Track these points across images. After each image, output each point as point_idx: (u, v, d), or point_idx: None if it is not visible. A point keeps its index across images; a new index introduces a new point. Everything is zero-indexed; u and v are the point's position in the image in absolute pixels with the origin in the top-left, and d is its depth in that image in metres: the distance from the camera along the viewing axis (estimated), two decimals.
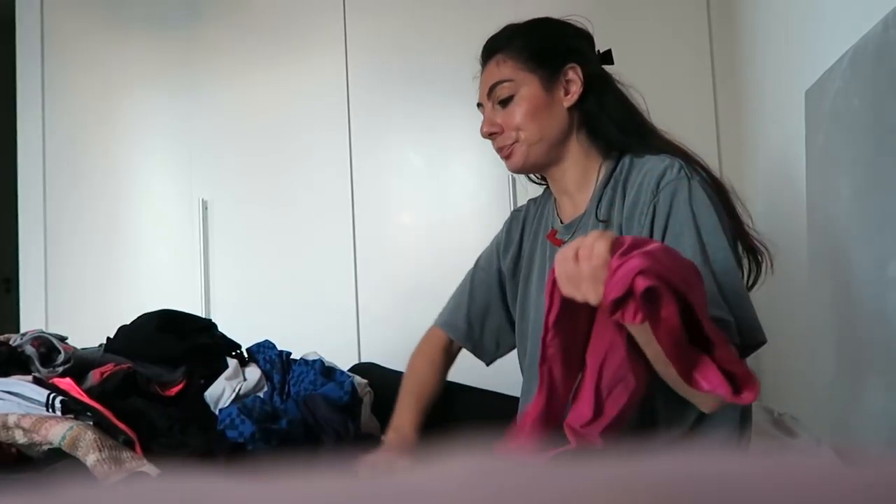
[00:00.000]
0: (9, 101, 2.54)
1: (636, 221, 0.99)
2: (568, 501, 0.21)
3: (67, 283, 2.43)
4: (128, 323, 1.26)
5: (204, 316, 2.24)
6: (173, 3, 2.46)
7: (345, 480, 0.24)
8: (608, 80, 1.13)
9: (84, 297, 2.41)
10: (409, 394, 1.17)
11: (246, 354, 1.33)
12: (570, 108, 1.09)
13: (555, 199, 1.18)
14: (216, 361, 1.19)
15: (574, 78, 1.09)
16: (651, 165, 1.01)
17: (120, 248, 2.43)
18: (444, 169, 2.29)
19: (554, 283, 0.79)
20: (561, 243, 1.10)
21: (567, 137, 1.10)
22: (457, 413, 1.23)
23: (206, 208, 2.38)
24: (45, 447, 0.91)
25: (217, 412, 1.08)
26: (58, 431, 0.89)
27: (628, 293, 0.70)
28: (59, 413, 0.93)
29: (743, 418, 1.01)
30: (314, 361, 1.26)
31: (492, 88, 1.11)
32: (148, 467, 0.88)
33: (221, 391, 1.10)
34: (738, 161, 2.10)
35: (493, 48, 1.14)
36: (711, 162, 2.11)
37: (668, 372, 0.80)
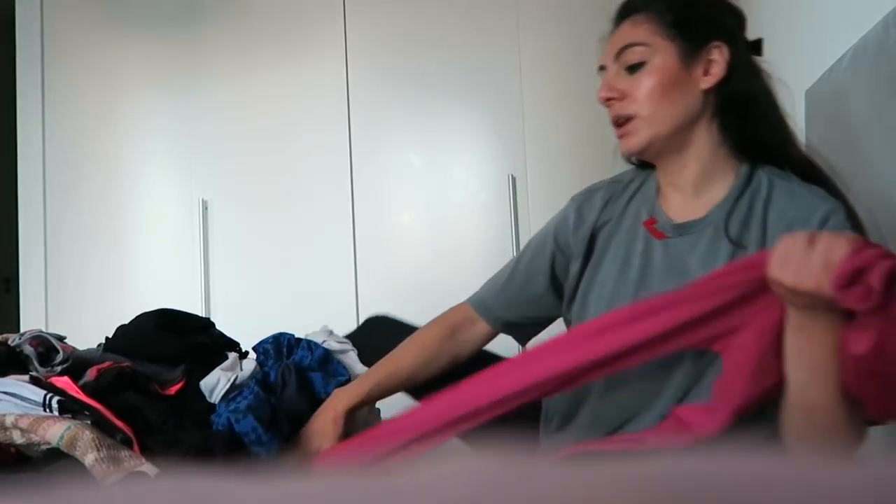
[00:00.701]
0: (9, 101, 2.55)
1: None
2: (568, 502, 0.21)
3: (67, 283, 2.43)
4: (126, 323, 1.26)
5: (204, 316, 2.25)
6: (174, 3, 2.46)
7: (344, 481, 0.24)
8: (757, 72, 0.97)
9: (84, 297, 2.41)
10: (376, 365, 1.10)
11: (246, 351, 1.33)
12: (705, 91, 0.94)
13: (658, 188, 1.02)
14: (215, 360, 1.19)
15: (718, 58, 0.93)
16: (809, 201, 0.88)
17: (120, 248, 2.43)
18: (444, 169, 2.29)
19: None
20: (662, 237, 0.97)
21: (695, 124, 0.95)
22: None
23: (206, 208, 2.38)
24: (44, 447, 0.91)
25: (215, 402, 1.07)
26: (55, 431, 0.89)
27: (857, 275, 0.65)
28: (56, 413, 0.93)
29: None
30: (316, 347, 1.25)
31: (621, 50, 0.95)
32: (146, 466, 0.88)
33: (216, 381, 1.10)
34: None
35: (632, 6, 0.98)
36: None
37: (821, 392, 0.74)
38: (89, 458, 0.87)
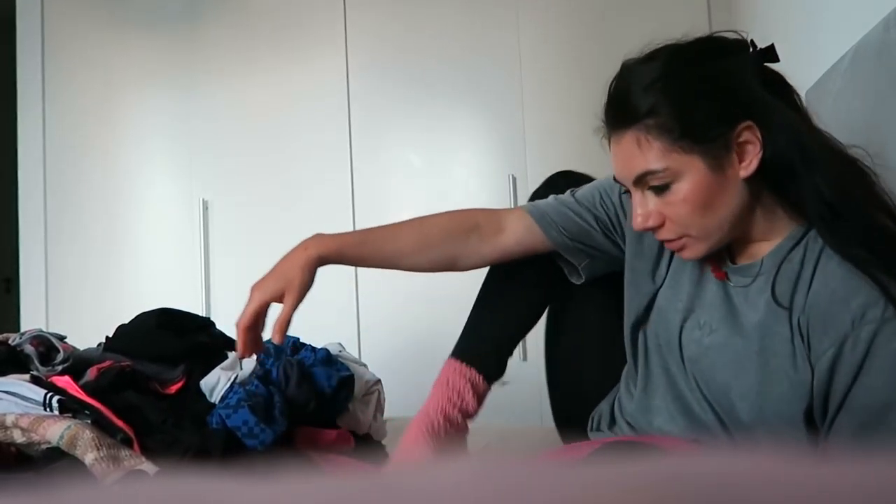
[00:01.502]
0: (9, 101, 2.55)
1: (819, 338, 0.77)
2: (568, 502, 0.21)
3: (67, 283, 2.43)
4: (127, 322, 1.26)
5: (204, 316, 2.25)
6: (174, 3, 2.46)
7: (344, 481, 0.24)
8: (785, 116, 0.82)
9: (84, 297, 2.41)
10: (370, 229, 1.04)
11: None
12: (747, 179, 0.81)
13: None
14: (215, 360, 1.19)
15: (750, 138, 0.80)
16: (850, 281, 0.76)
17: (120, 248, 2.43)
18: (444, 169, 2.29)
19: None
20: (724, 277, 0.89)
21: (751, 210, 0.84)
22: None
23: (206, 208, 2.38)
24: (44, 446, 0.91)
25: (216, 402, 1.08)
26: (56, 430, 0.89)
27: None
28: (56, 412, 0.94)
29: None
30: (319, 350, 1.26)
31: (640, 178, 0.83)
32: (146, 465, 0.88)
33: (216, 380, 1.10)
34: None
35: (625, 116, 0.83)
36: None
37: None
38: (89, 457, 0.87)
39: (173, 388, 1.09)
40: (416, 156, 2.31)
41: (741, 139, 0.80)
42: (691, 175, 0.80)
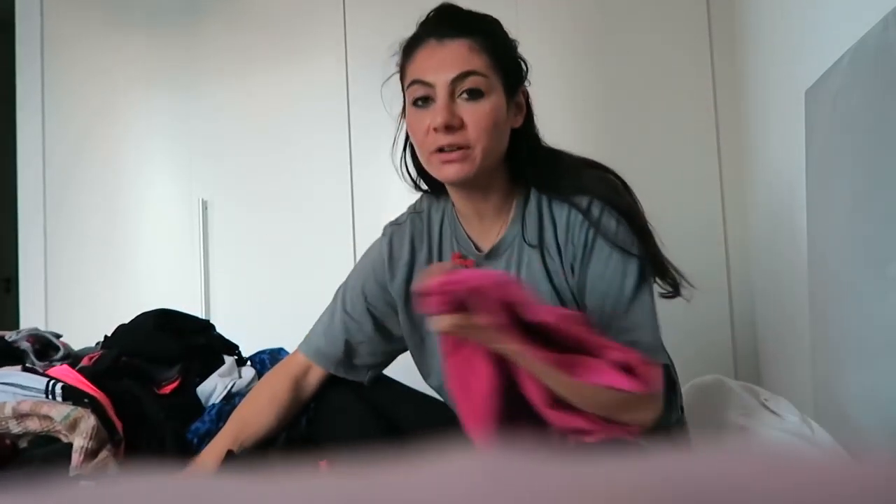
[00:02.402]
0: (9, 101, 2.55)
1: (569, 250, 0.99)
2: (568, 502, 0.21)
3: (67, 283, 2.43)
4: (126, 322, 1.26)
5: (204, 316, 2.25)
6: (173, 3, 2.46)
7: (344, 481, 0.24)
8: (532, 113, 1.06)
9: (84, 297, 2.41)
10: (233, 421, 1.07)
11: (245, 359, 1.33)
12: (512, 131, 1.01)
13: (458, 220, 1.09)
14: (213, 361, 1.19)
15: (522, 102, 1.02)
16: (575, 200, 1.00)
17: (120, 248, 2.43)
18: None
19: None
20: (472, 263, 1.05)
21: (503, 162, 1.02)
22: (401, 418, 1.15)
23: (206, 208, 2.38)
24: (37, 433, 0.92)
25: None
26: (62, 409, 0.90)
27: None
28: (59, 399, 0.94)
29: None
30: None
31: (464, 74, 0.94)
32: (113, 471, 0.89)
33: (213, 387, 1.10)
34: (738, 161, 2.10)
35: (465, 28, 0.97)
36: (711, 162, 2.13)
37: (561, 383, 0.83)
38: (78, 442, 0.87)
39: (168, 389, 1.09)
40: None
41: (519, 98, 1.01)
42: (496, 96, 0.96)
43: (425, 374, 1.13)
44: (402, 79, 1.06)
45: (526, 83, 1.05)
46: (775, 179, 1.80)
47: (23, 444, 0.94)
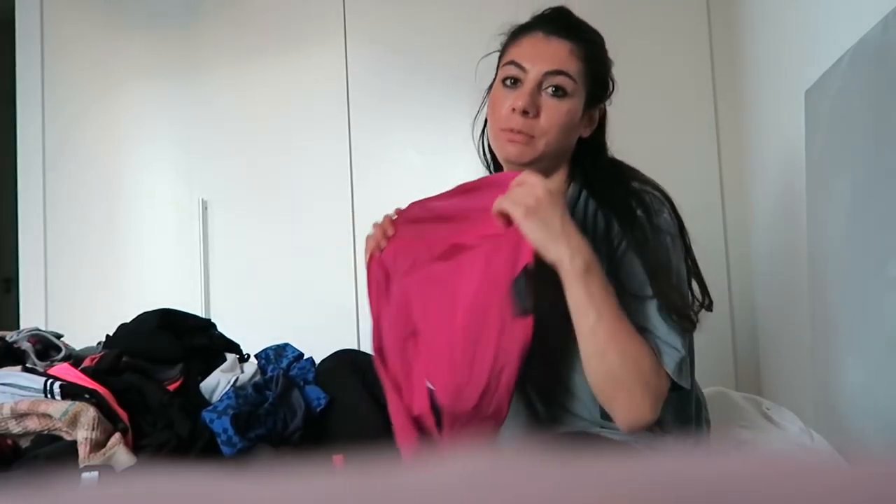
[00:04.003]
0: (9, 101, 2.55)
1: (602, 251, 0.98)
2: (568, 502, 0.21)
3: (67, 283, 2.43)
4: (127, 322, 1.26)
5: (204, 316, 2.25)
6: (173, 2, 2.46)
7: (344, 480, 0.24)
8: (604, 125, 1.11)
9: (84, 297, 2.41)
10: None
11: (246, 355, 1.33)
12: (579, 140, 1.07)
13: None
14: (214, 361, 1.19)
15: (596, 118, 1.08)
16: (617, 211, 1.02)
17: (120, 248, 2.43)
18: (444, 168, 2.29)
19: None
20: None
21: (562, 163, 1.07)
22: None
23: (206, 208, 2.38)
24: (38, 431, 0.92)
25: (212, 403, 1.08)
26: (60, 406, 0.89)
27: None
28: (58, 398, 0.94)
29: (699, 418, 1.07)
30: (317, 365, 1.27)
31: (556, 72, 1.00)
32: (125, 458, 0.89)
33: (216, 383, 1.10)
34: (738, 161, 2.10)
35: (572, 32, 1.03)
36: (711, 162, 2.13)
37: (608, 329, 0.86)
38: (81, 434, 0.87)
39: (171, 387, 1.09)
40: (417, 155, 2.31)
41: (595, 112, 1.07)
42: (576, 101, 1.01)
43: None
44: (500, 56, 1.10)
45: (607, 102, 1.10)
46: (775, 179, 1.80)
47: (25, 444, 0.94)
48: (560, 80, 1.00)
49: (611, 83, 1.09)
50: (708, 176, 2.13)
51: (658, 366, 0.89)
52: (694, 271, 1.03)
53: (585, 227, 1.01)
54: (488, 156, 1.19)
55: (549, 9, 1.07)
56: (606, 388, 0.88)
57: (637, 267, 0.95)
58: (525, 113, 0.99)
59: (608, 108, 1.12)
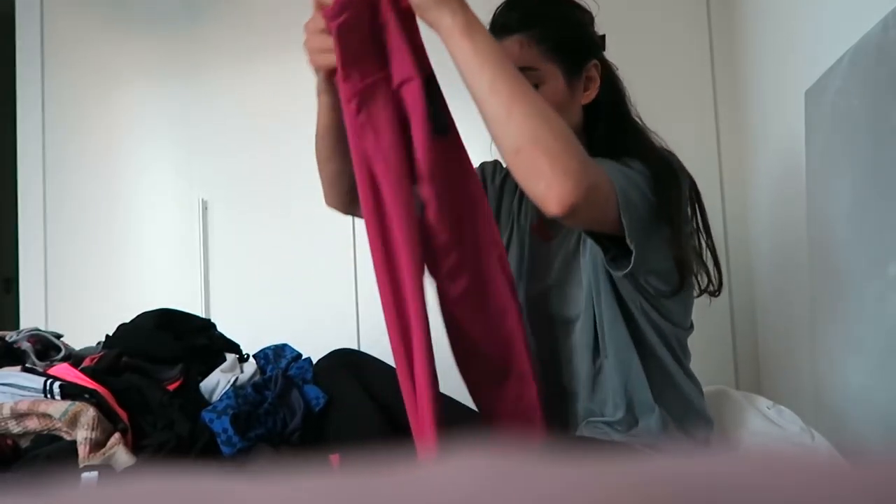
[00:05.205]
0: (9, 101, 2.54)
1: None
2: (569, 502, 0.21)
3: (67, 283, 2.43)
4: (127, 322, 1.26)
5: (204, 316, 2.24)
6: (173, 2, 2.46)
7: (344, 480, 0.24)
8: (615, 78, 1.07)
9: (84, 297, 2.41)
10: None
11: (246, 355, 1.33)
12: (584, 105, 1.03)
13: None
14: (214, 361, 1.19)
15: (594, 76, 1.03)
16: None
17: (120, 248, 2.42)
18: None
19: None
20: (550, 238, 1.07)
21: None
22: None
23: (206, 208, 2.38)
24: (38, 431, 0.92)
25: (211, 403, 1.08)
26: (60, 406, 0.89)
27: None
28: (58, 398, 0.94)
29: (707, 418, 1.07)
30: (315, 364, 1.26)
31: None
32: (124, 458, 0.89)
33: (216, 383, 1.10)
34: (738, 161, 2.10)
35: (510, 25, 1.01)
36: (711, 162, 2.13)
37: (509, 84, 0.80)
38: (81, 434, 0.87)
39: (171, 388, 1.09)
40: None
41: (589, 73, 1.02)
42: (554, 82, 0.98)
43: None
44: None
45: (603, 53, 1.06)
46: (775, 179, 1.80)
47: (24, 444, 0.94)
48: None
49: (586, 38, 1.04)
50: (708, 176, 2.13)
51: (578, 143, 0.81)
52: (711, 252, 1.02)
53: None
54: None
55: (496, 9, 1.05)
56: (521, 156, 0.79)
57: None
58: None
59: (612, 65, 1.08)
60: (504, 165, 1.18)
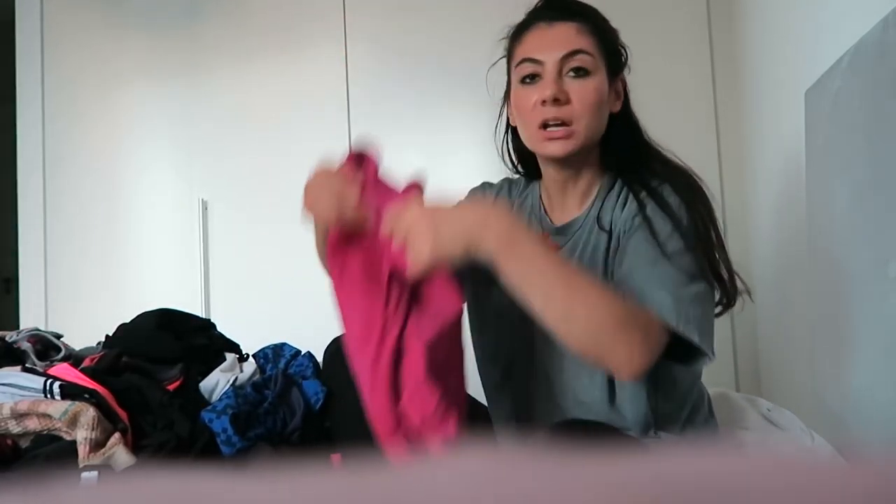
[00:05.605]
0: (9, 102, 2.54)
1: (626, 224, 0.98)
2: (569, 502, 0.21)
3: (67, 283, 2.43)
4: (127, 322, 1.26)
5: (204, 316, 2.25)
6: (173, 2, 2.46)
7: (344, 480, 0.24)
8: (628, 97, 1.09)
9: (84, 297, 2.41)
10: None
11: (245, 354, 1.33)
12: (610, 115, 1.04)
13: (541, 197, 1.13)
14: (214, 361, 1.19)
15: (620, 90, 1.05)
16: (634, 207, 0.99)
17: (120, 248, 2.42)
18: (445, 169, 2.29)
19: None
20: (557, 248, 1.06)
21: (596, 143, 1.04)
22: None
23: (206, 208, 2.38)
24: (38, 431, 0.92)
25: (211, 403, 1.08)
26: (60, 406, 0.89)
27: None
28: (58, 398, 0.94)
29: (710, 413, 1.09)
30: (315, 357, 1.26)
31: (572, 53, 0.98)
32: (124, 458, 0.89)
33: (216, 383, 1.10)
34: (738, 161, 2.10)
35: (572, 13, 1.02)
36: (711, 162, 2.13)
37: (562, 297, 0.81)
38: (81, 434, 0.87)
39: (171, 387, 1.09)
40: (417, 156, 2.31)
41: (618, 85, 1.04)
42: (601, 76, 0.99)
43: (475, 329, 1.14)
44: (508, 61, 1.08)
45: (625, 71, 1.08)
46: (775, 180, 1.80)
47: (24, 444, 0.94)
48: (579, 59, 0.98)
49: (623, 50, 1.07)
50: (708, 176, 2.12)
51: (638, 307, 0.84)
52: (725, 264, 1.02)
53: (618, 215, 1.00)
54: (514, 157, 1.17)
55: (541, 0, 1.07)
56: (591, 347, 0.81)
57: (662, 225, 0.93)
58: (556, 101, 0.97)
59: (627, 79, 1.10)
60: (500, 188, 1.21)
